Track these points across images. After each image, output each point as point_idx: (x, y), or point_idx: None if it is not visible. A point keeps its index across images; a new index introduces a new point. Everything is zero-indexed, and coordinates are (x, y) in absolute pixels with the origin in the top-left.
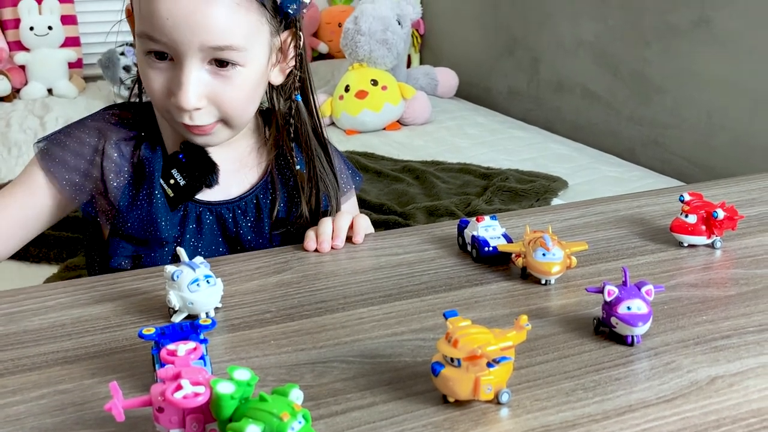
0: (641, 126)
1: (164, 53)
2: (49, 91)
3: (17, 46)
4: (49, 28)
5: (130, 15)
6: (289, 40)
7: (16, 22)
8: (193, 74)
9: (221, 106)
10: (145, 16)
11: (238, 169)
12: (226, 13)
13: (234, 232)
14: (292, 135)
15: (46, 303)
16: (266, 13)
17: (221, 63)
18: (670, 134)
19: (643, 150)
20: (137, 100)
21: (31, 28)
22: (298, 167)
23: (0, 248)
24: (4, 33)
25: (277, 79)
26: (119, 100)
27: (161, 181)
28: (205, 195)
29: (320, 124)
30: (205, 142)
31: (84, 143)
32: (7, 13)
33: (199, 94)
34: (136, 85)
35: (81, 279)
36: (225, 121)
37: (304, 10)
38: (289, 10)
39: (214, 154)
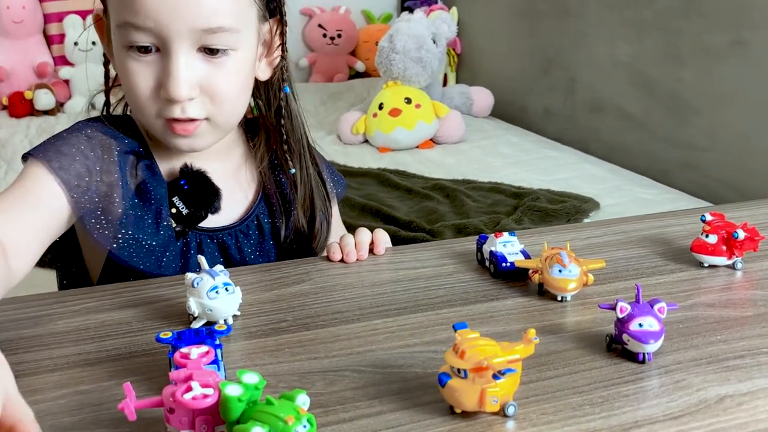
0: (676, 148)
1: (148, 47)
2: (92, 105)
3: (62, 60)
4: (93, 43)
5: (99, 19)
6: (275, 28)
7: (61, 37)
8: (183, 61)
9: (214, 96)
10: (125, 1)
11: (233, 186)
12: None
13: (239, 258)
14: (284, 137)
15: (71, 307)
16: None
17: (212, 51)
18: (706, 157)
19: (679, 172)
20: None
21: (76, 44)
22: (293, 171)
23: (29, 261)
24: (49, 48)
25: (265, 73)
26: None
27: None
28: (205, 221)
29: (305, 127)
30: (190, 146)
31: (87, 151)
32: (53, 29)
33: (192, 83)
34: (117, 95)
35: (107, 285)
36: (213, 119)
37: None
38: None
39: (211, 170)
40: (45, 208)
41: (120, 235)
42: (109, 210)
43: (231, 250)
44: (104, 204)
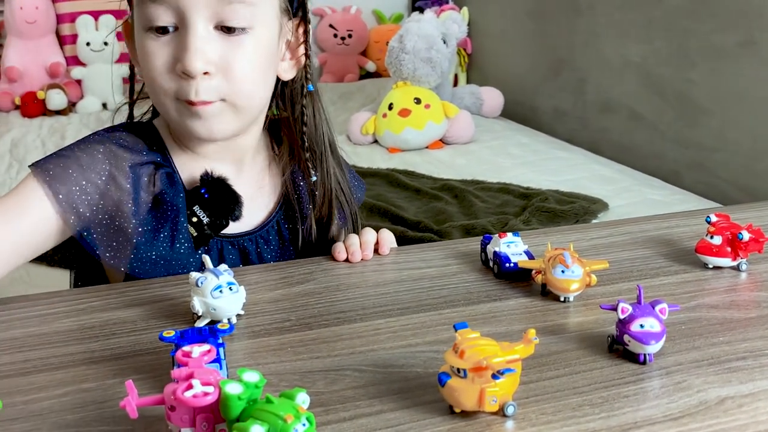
0: (686, 148)
1: (166, 27)
2: (104, 105)
3: (74, 60)
4: (105, 43)
5: (125, 21)
6: (297, 27)
7: (74, 38)
8: (200, 35)
9: (231, 75)
10: None
11: (255, 192)
12: None
13: (257, 263)
14: (306, 144)
15: (77, 306)
16: None
17: (229, 29)
18: (716, 157)
19: (688, 173)
20: (132, 118)
21: (88, 44)
22: (314, 178)
23: None
24: (62, 48)
25: (288, 74)
26: None
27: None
28: (226, 228)
29: (331, 131)
30: (208, 129)
31: (93, 166)
32: (65, 29)
33: (207, 58)
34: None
35: (113, 284)
36: (230, 100)
37: None
38: None
39: (232, 176)
40: (30, 223)
41: (133, 255)
42: (119, 228)
43: (251, 255)
44: (112, 223)
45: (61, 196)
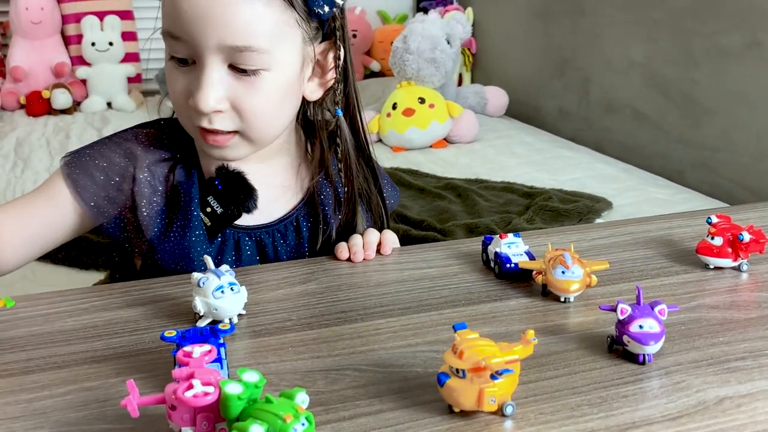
0: (690, 148)
1: (186, 59)
2: (109, 104)
3: (79, 60)
4: (110, 43)
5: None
6: (327, 51)
7: (79, 38)
8: (213, 74)
9: (243, 113)
10: (168, 11)
11: (278, 189)
12: (248, 10)
13: (273, 257)
14: (339, 156)
15: (80, 305)
16: (295, 15)
17: (242, 69)
18: (720, 157)
19: (693, 172)
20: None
21: (93, 44)
22: (345, 189)
23: (9, 259)
24: (67, 48)
25: (314, 94)
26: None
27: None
28: (243, 219)
29: (368, 143)
30: (222, 156)
31: (113, 164)
32: (70, 29)
33: (219, 97)
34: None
35: (116, 284)
36: (244, 133)
37: (336, 9)
38: (320, 11)
39: (253, 173)
40: (55, 218)
41: (150, 247)
42: (138, 224)
43: (268, 248)
44: (132, 217)
45: (84, 195)
